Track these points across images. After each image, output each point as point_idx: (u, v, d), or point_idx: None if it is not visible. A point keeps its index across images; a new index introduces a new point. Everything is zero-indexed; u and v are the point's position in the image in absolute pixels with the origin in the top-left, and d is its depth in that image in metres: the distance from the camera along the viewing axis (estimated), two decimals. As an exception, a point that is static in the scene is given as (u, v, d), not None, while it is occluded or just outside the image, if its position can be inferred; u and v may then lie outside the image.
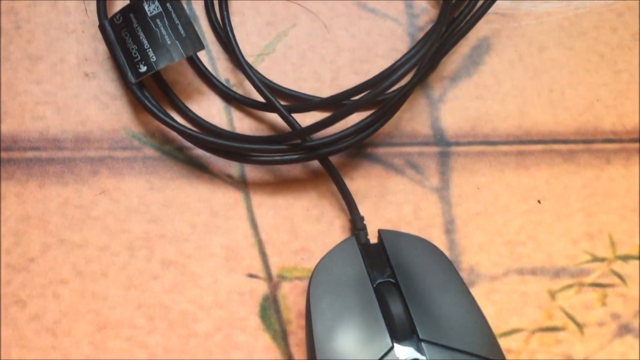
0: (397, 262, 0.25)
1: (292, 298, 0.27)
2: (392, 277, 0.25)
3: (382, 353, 0.23)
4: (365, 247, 0.26)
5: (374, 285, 0.25)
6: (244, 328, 0.26)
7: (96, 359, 0.25)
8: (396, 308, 0.24)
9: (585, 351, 0.28)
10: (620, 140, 0.31)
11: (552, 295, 0.28)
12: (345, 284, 0.25)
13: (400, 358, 0.23)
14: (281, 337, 0.26)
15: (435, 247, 0.26)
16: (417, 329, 0.23)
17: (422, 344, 0.23)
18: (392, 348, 0.23)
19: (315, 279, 0.25)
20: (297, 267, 0.27)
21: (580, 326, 0.28)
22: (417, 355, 0.23)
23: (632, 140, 0.31)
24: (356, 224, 0.27)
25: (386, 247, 0.25)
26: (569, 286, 0.28)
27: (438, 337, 0.23)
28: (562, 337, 0.28)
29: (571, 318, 0.28)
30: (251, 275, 0.27)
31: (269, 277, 0.27)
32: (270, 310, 0.27)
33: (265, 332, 0.26)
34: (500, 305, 0.28)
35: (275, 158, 0.26)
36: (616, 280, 0.29)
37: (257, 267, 0.27)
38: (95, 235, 0.26)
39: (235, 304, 0.26)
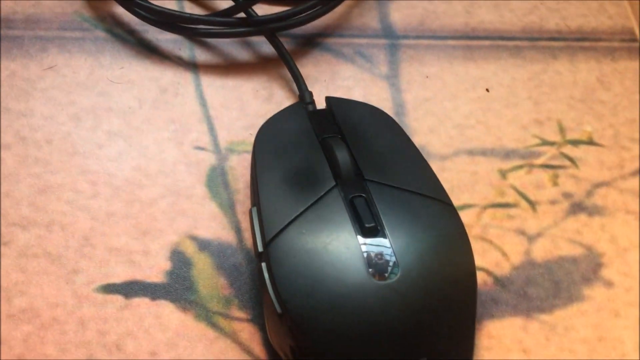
0: (344, 121, 0.25)
1: (240, 170, 0.26)
2: (339, 134, 0.25)
3: (325, 191, 0.23)
4: (312, 113, 0.26)
5: (320, 140, 0.24)
6: (189, 196, 0.26)
7: (35, 220, 0.24)
8: (341, 153, 0.23)
9: (538, 227, 0.27)
10: (565, 39, 0.31)
11: (503, 174, 0.28)
12: (290, 137, 0.24)
13: (343, 195, 0.22)
14: (228, 205, 0.26)
15: (383, 111, 0.26)
16: (362, 170, 0.23)
17: (367, 183, 0.23)
18: (335, 186, 0.23)
19: (261, 133, 0.25)
20: (245, 142, 0.27)
21: (532, 203, 0.28)
22: (361, 192, 0.23)
23: (576, 39, 0.31)
24: (304, 98, 0.27)
25: (333, 110, 0.25)
26: (520, 166, 0.28)
27: (383, 178, 0.23)
28: (514, 213, 0.27)
29: (523, 196, 0.28)
30: (199, 148, 0.27)
31: (217, 149, 0.27)
32: (217, 180, 0.26)
33: (212, 201, 0.26)
34: (451, 182, 0.28)
35: (225, 31, 0.27)
36: (567, 162, 0.29)
37: (205, 140, 0.27)
38: (41, 105, 0.26)
39: (181, 173, 0.26)
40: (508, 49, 0.31)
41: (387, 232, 0.21)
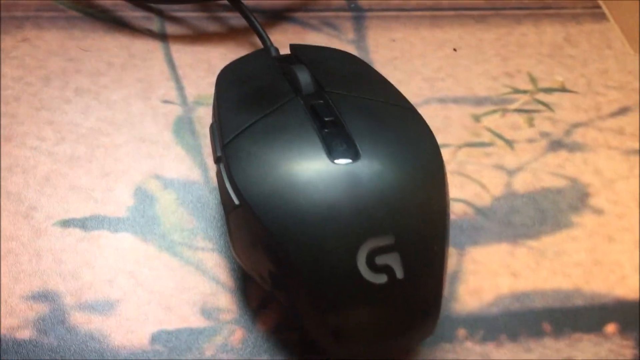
0: (309, 60, 0.25)
1: (207, 119, 0.26)
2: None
3: (284, 101, 0.22)
4: (276, 56, 0.26)
5: (283, 72, 0.24)
6: (155, 141, 0.25)
7: (-3, 163, 0.24)
8: (301, 72, 0.23)
9: (517, 162, 0.26)
10: (528, 8, 0.32)
11: (477, 118, 0.28)
12: (253, 69, 0.24)
13: (302, 102, 0.22)
14: (194, 149, 0.25)
15: (351, 53, 0.26)
16: (323, 84, 0.23)
17: (328, 94, 0.22)
18: (295, 97, 0.22)
19: (224, 69, 0.24)
20: (213, 96, 0.27)
21: (509, 142, 0.27)
22: (321, 100, 0.22)
23: (540, 8, 0.32)
24: (270, 53, 0.27)
25: (298, 53, 0.26)
26: (493, 111, 0.28)
27: (344, 90, 0.23)
28: (491, 151, 0.26)
29: (499, 136, 0.27)
30: (166, 101, 0.26)
31: (184, 102, 0.27)
32: (184, 128, 0.26)
33: (178, 145, 0.25)
34: (424, 126, 0.27)
35: (190, -5, 0.28)
36: (541, 107, 0.28)
37: (173, 95, 0.27)
38: (12, 70, 0.27)
39: (147, 123, 0.26)
40: (473, 17, 0.31)
41: (347, 124, 0.21)
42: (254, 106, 0.22)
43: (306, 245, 0.19)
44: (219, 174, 0.21)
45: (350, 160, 0.20)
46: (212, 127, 0.22)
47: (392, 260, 0.19)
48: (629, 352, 0.22)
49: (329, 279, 0.19)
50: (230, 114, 0.22)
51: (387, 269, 0.19)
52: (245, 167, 0.20)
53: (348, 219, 0.19)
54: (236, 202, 0.20)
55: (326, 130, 0.21)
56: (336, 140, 0.20)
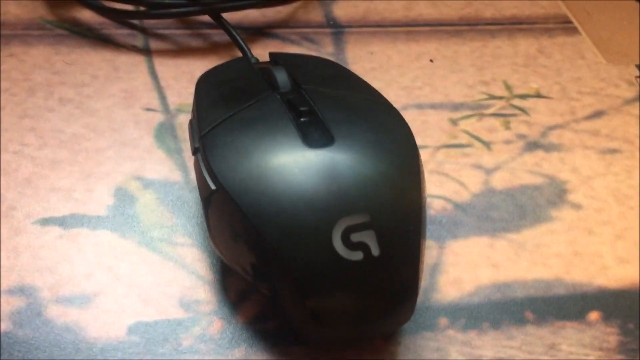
0: (287, 64, 0.25)
1: (189, 125, 0.26)
2: (281, 71, 0.25)
3: (262, 96, 0.22)
4: (255, 63, 0.27)
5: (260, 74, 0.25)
6: (137, 145, 0.25)
7: (-22, 167, 0.24)
8: (279, 72, 0.23)
9: (495, 162, 0.26)
10: (502, 24, 0.33)
11: (454, 122, 0.28)
12: (231, 74, 0.25)
13: (279, 97, 0.22)
14: (176, 152, 0.25)
15: (329, 59, 0.26)
16: (300, 82, 0.23)
17: (304, 90, 0.23)
18: (272, 93, 0.23)
19: (204, 74, 0.25)
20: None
21: (486, 144, 0.27)
22: (298, 95, 0.22)
23: (512, 23, 0.33)
24: (249, 61, 0.28)
25: (277, 59, 0.26)
26: (470, 116, 0.28)
27: (322, 87, 0.23)
28: (469, 151, 0.27)
29: (476, 138, 0.27)
30: (148, 109, 0.27)
31: (166, 110, 0.27)
32: (165, 133, 0.26)
33: (159, 149, 0.25)
34: (402, 130, 0.27)
35: (172, 11, 0.29)
36: (517, 111, 0.29)
37: (155, 104, 0.27)
38: (-3, 82, 0.27)
39: (130, 129, 0.26)
40: (448, 32, 0.32)
41: (321, 113, 0.21)
42: (231, 102, 0.23)
43: (281, 225, 0.19)
44: (196, 164, 0.21)
45: (324, 145, 0.20)
46: (190, 122, 0.23)
47: (368, 238, 0.19)
48: (614, 338, 0.22)
49: (305, 257, 0.19)
50: (209, 109, 0.23)
51: (362, 246, 0.19)
52: (221, 153, 0.20)
53: (323, 198, 0.19)
54: (212, 187, 0.20)
55: (301, 119, 0.21)
56: (311, 127, 0.21)
